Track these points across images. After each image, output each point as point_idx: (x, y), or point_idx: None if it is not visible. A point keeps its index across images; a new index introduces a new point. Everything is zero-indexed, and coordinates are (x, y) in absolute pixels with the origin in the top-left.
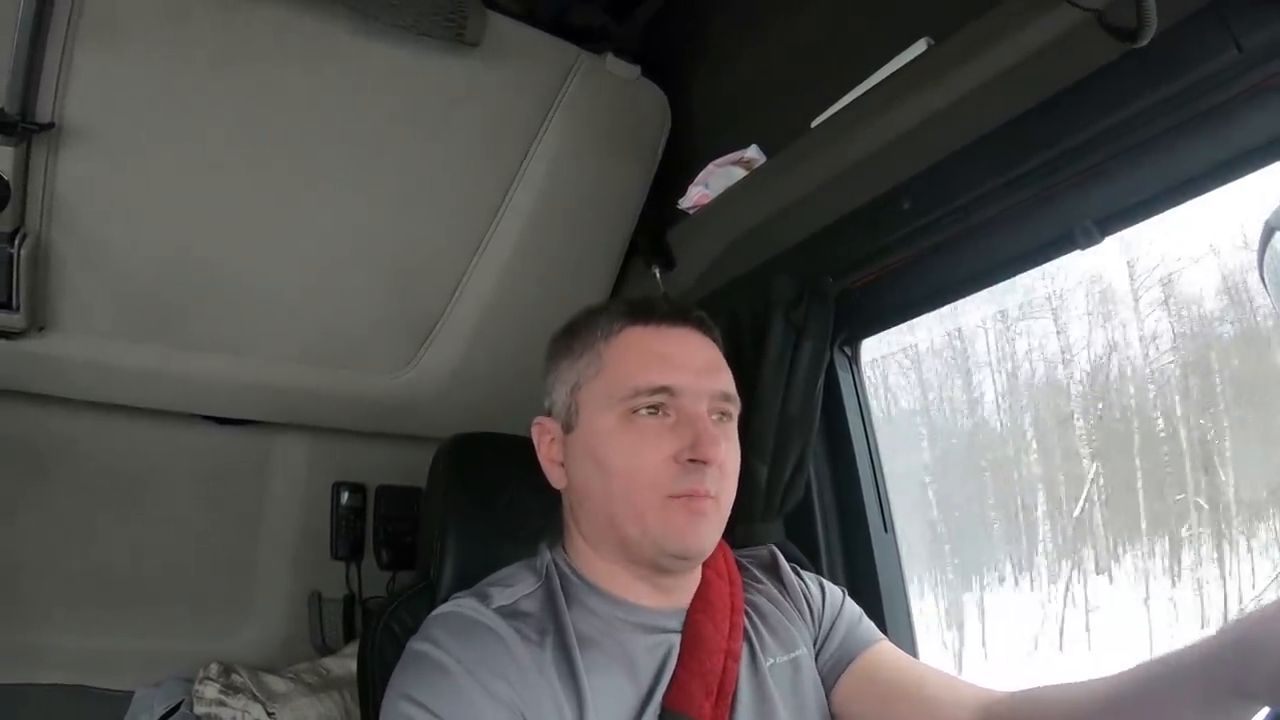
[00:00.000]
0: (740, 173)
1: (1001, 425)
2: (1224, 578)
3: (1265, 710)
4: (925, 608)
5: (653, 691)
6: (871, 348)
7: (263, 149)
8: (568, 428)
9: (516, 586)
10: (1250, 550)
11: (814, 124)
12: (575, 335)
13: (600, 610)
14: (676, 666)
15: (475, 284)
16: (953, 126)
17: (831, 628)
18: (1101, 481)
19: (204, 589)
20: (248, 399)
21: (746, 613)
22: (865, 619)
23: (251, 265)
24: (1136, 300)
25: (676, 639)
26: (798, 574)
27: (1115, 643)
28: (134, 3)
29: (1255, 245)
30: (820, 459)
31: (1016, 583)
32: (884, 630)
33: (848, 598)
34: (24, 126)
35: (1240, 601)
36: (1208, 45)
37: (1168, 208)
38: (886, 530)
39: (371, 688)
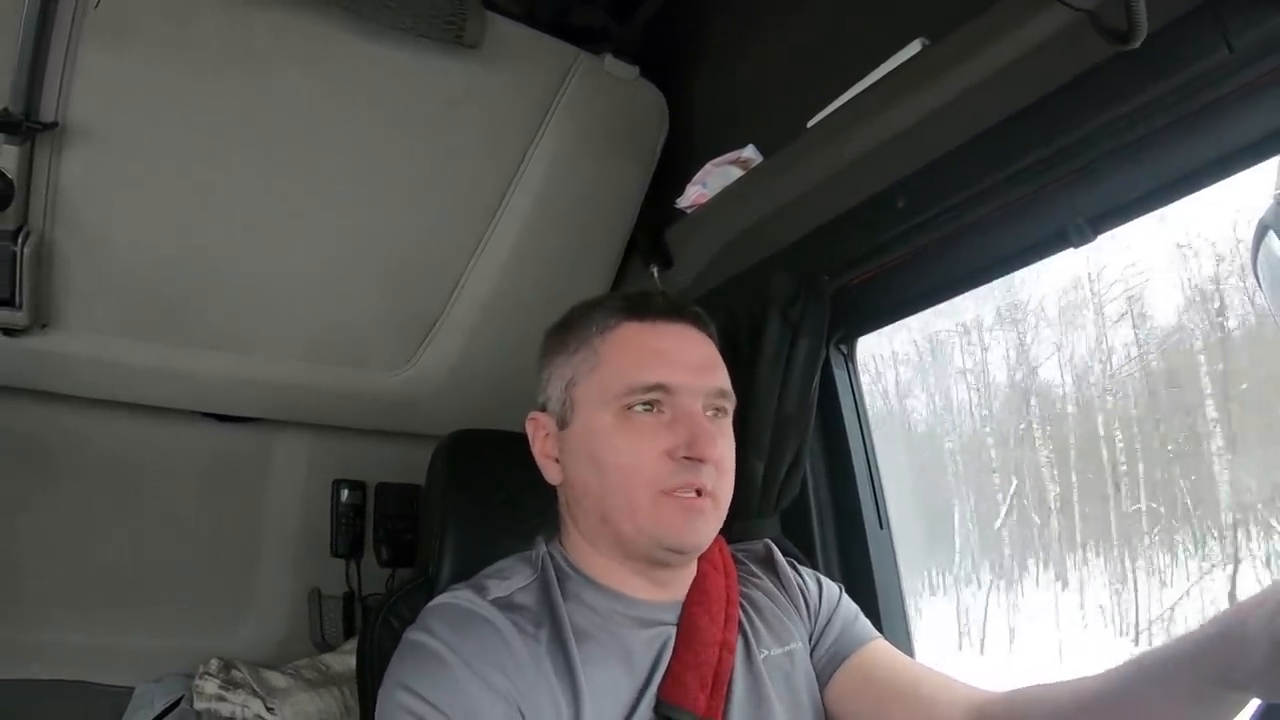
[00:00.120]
0: (737, 172)
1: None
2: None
3: (1255, 701)
4: None
5: (648, 683)
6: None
7: (264, 149)
8: (563, 424)
9: (513, 579)
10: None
11: (810, 124)
12: (570, 330)
13: (596, 604)
14: (671, 658)
15: (474, 283)
16: (947, 126)
17: (828, 624)
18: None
19: (205, 585)
20: (249, 396)
21: (742, 605)
22: (861, 616)
23: (253, 264)
24: (1022, 342)
25: (672, 632)
26: (795, 569)
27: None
28: (137, 3)
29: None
30: (816, 456)
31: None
32: (879, 626)
33: (844, 594)
34: (28, 125)
35: (1148, 612)
36: (1200, 44)
37: (1160, 206)
38: (882, 527)
39: (370, 681)
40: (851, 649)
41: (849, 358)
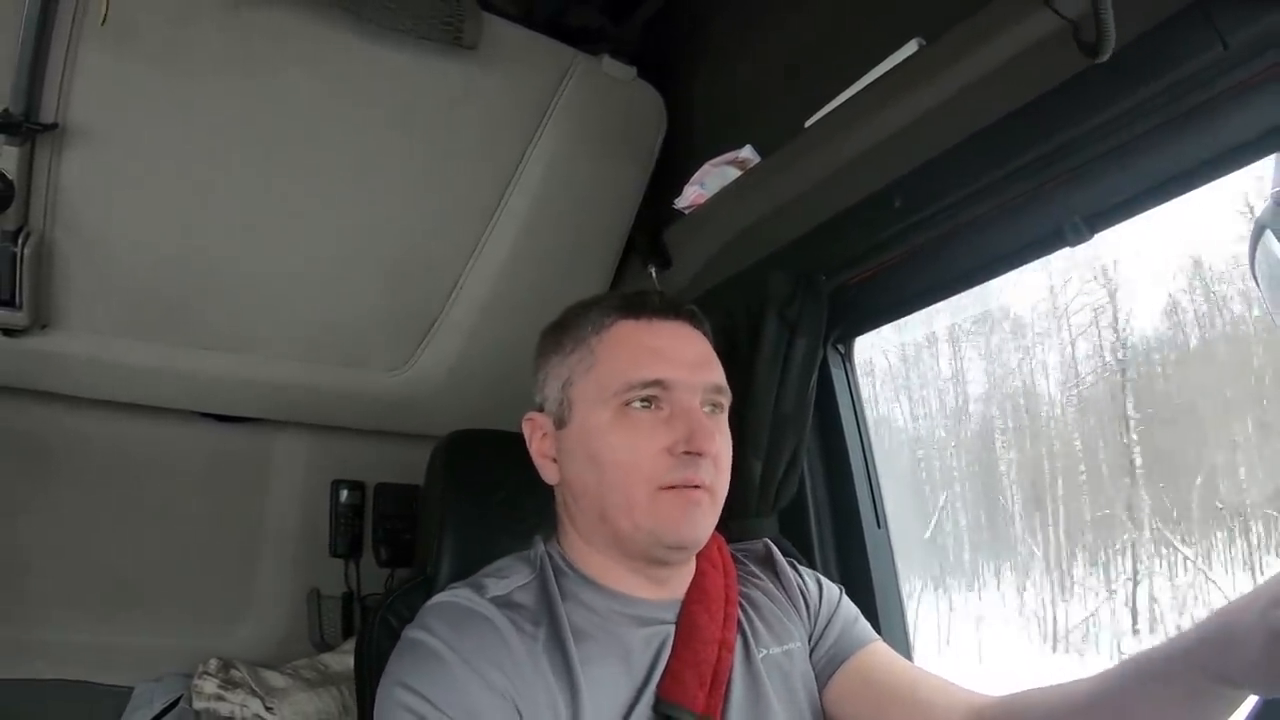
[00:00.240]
0: (735, 172)
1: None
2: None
3: (1253, 698)
4: None
5: (647, 681)
6: None
7: (263, 150)
8: (560, 423)
9: (511, 578)
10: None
11: (808, 124)
12: (566, 330)
13: (595, 603)
14: (670, 656)
15: (473, 283)
16: (945, 125)
17: (827, 625)
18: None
19: (204, 585)
20: (248, 396)
21: (741, 604)
22: (861, 619)
23: (252, 264)
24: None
25: (671, 630)
26: (795, 569)
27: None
28: (137, 4)
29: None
30: (814, 455)
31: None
32: (876, 625)
33: (845, 596)
34: (28, 126)
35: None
36: (1194, 43)
37: (1156, 204)
38: (880, 526)
39: (368, 680)
40: (850, 651)
41: (846, 357)
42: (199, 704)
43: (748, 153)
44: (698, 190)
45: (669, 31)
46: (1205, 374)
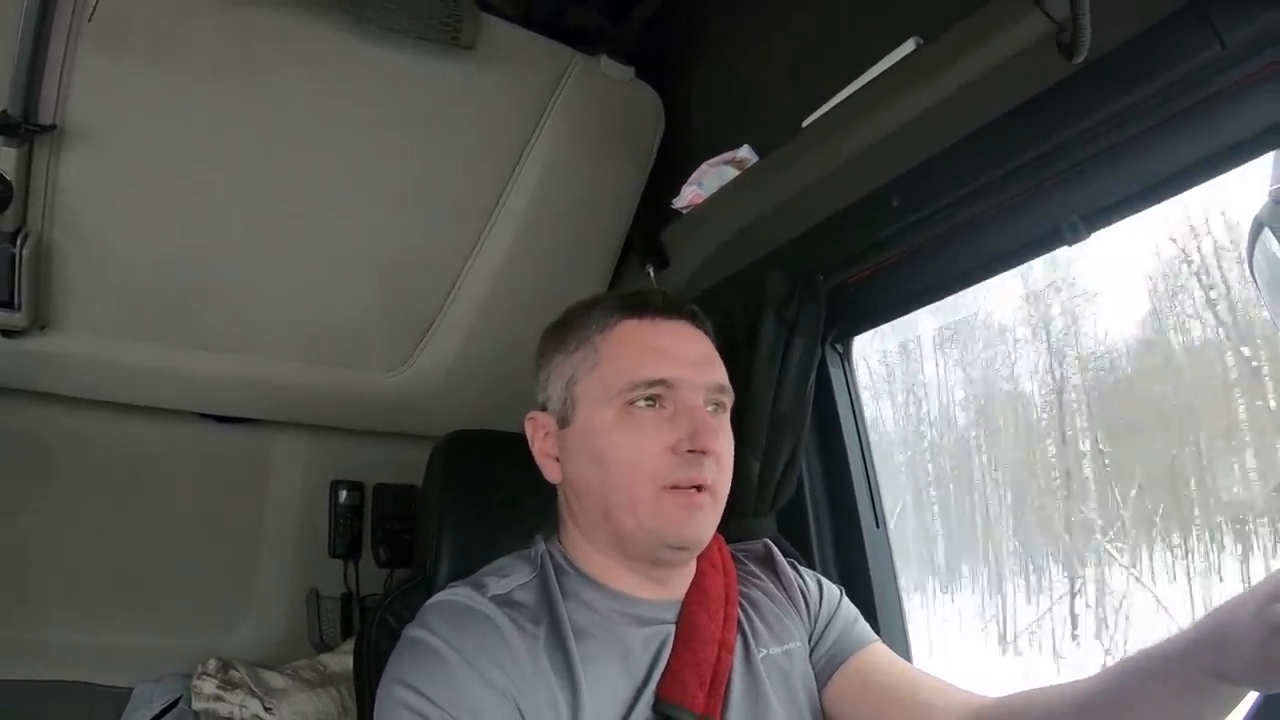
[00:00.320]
0: (733, 172)
1: None
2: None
3: (1252, 696)
4: None
5: (647, 681)
6: None
7: (261, 150)
8: (563, 422)
9: (512, 577)
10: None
11: (805, 123)
12: (569, 329)
13: (596, 603)
14: (670, 656)
15: (471, 283)
16: (942, 124)
17: (827, 626)
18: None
19: (203, 586)
20: (247, 397)
21: (741, 605)
22: (861, 620)
23: (251, 264)
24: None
25: (671, 630)
26: (795, 569)
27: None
28: (135, 5)
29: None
30: (812, 455)
31: None
32: (875, 624)
33: (845, 597)
34: (26, 128)
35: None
36: (1191, 42)
37: (1154, 203)
38: (878, 526)
39: (367, 680)
40: (850, 652)
41: (844, 357)
42: (198, 704)
43: (745, 152)
44: (695, 190)
45: (667, 31)
46: (1153, 389)
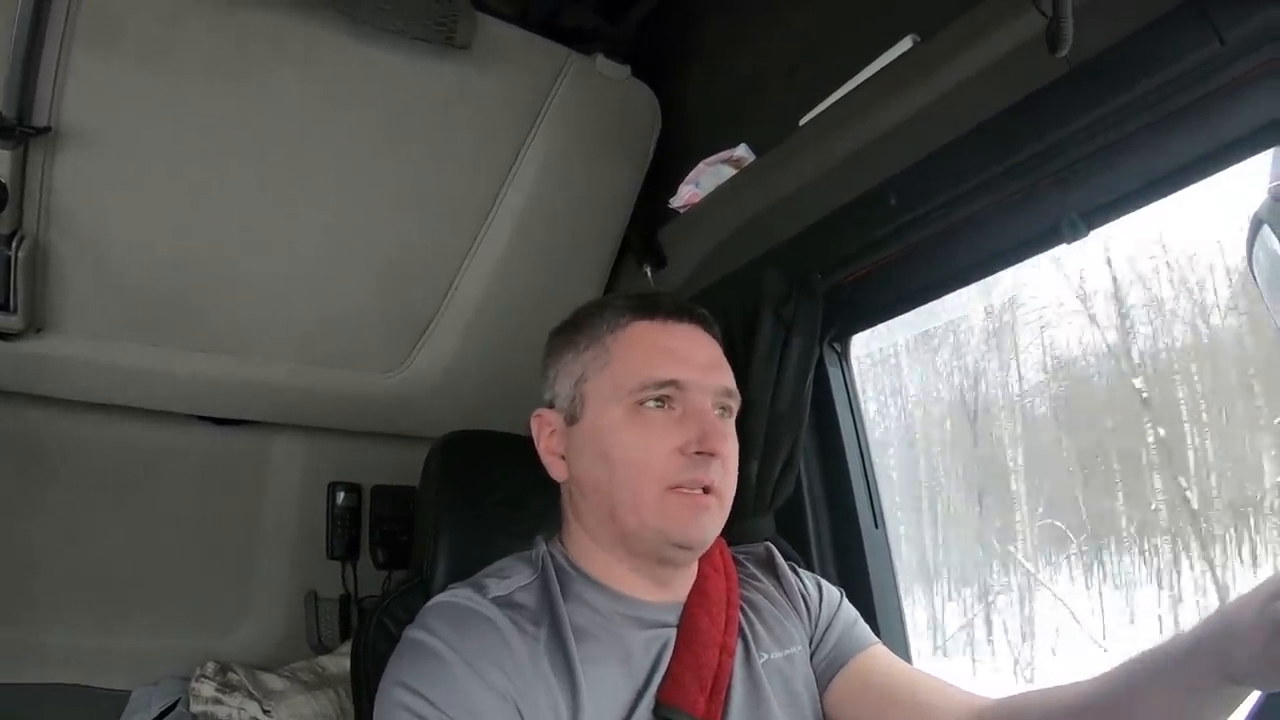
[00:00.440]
0: (730, 171)
1: None
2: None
3: (1253, 698)
4: None
5: (648, 684)
6: None
7: (257, 151)
8: (571, 419)
9: (513, 578)
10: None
11: (802, 122)
12: (579, 329)
13: (597, 603)
14: (671, 660)
15: (468, 284)
16: (940, 122)
17: (828, 628)
18: None
19: (201, 588)
20: (244, 399)
21: (742, 608)
22: (861, 622)
23: (247, 266)
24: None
25: (672, 634)
26: (795, 572)
27: None
28: (130, 6)
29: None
30: (810, 454)
31: None
32: (875, 625)
33: (845, 599)
34: (21, 130)
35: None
36: (1190, 38)
37: (1153, 200)
38: (877, 525)
39: (364, 682)
40: (850, 654)
41: (843, 356)
42: (196, 707)
43: (743, 151)
44: (692, 189)
45: (663, 30)
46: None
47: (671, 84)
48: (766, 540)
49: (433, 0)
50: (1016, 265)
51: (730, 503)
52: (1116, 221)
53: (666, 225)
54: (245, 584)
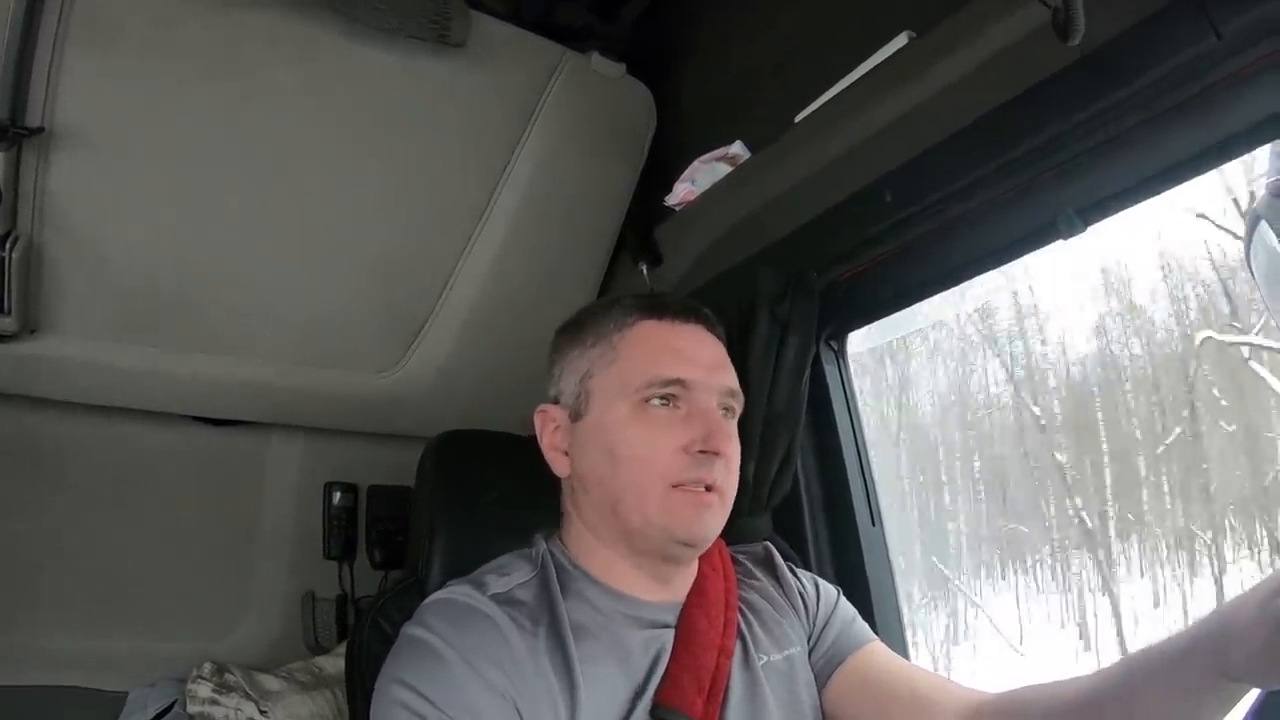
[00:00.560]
0: (725, 169)
1: None
2: None
3: (1255, 692)
4: None
5: (645, 685)
6: None
7: (252, 150)
8: (576, 415)
9: (512, 575)
10: None
11: (798, 119)
12: (585, 326)
13: (597, 602)
14: (669, 661)
15: (463, 283)
16: (936, 118)
17: (825, 626)
18: None
19: (197, 589)
20: (239, 399)
21: (740, 609)
22: (859, 619)
23: (241, 266)
24: None
25: (671, 634)
26: (793, 571)
27: None
28: (123, 6)
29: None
30: (807, 453)
31: None
32: (872, 623)
33: (842, 597)
34: (14, 130)
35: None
36: (1187, 33)
37: (1150, 196)
38: (874, 524)
39: (359, 682)
40: (848, 652)
41: (839, 354)
42: (193, 708)
43: (738, 148)
44: (688, 187)
45: (658, 28)
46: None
47: (666, 81)
48: (765, 540)
49: None
50: (1012, 262)
51: (732, 502)
52: (1114, 217)
53: (662, 223)
54: (242, 584)
